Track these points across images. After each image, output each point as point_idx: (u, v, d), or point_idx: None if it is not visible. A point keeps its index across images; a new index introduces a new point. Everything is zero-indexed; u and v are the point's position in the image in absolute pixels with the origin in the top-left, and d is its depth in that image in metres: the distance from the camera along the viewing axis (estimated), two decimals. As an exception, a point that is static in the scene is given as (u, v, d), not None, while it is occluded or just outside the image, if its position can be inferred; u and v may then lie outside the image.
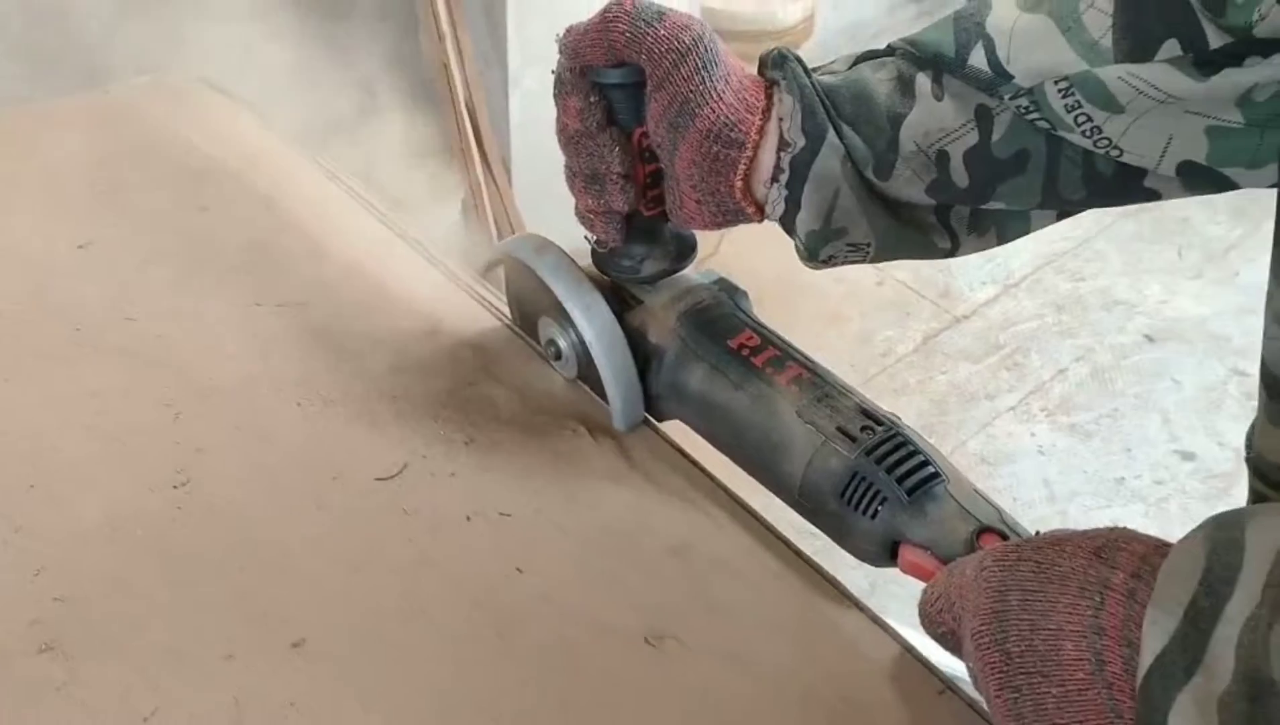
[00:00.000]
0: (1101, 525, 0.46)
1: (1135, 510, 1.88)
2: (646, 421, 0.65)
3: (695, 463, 0.62)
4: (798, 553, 0.58)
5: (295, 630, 0.50)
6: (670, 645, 0.52)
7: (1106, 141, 0.53)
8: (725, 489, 0.61)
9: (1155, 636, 0.39)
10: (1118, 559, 0.42)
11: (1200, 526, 0.40)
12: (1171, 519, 1.76)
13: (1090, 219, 0.71)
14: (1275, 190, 0.51)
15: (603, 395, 0.63)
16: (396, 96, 1.87)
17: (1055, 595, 0.43)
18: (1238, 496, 1.98)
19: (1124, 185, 0.55)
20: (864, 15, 2.91)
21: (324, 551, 0.55)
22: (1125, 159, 0.53)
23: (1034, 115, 0.54)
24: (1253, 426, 0.55)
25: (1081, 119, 0.53)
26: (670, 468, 0.62)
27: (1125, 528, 0.44)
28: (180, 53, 1.55)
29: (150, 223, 0.77)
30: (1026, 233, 0.60)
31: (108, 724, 0.46)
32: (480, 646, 0.52)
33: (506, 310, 0.72)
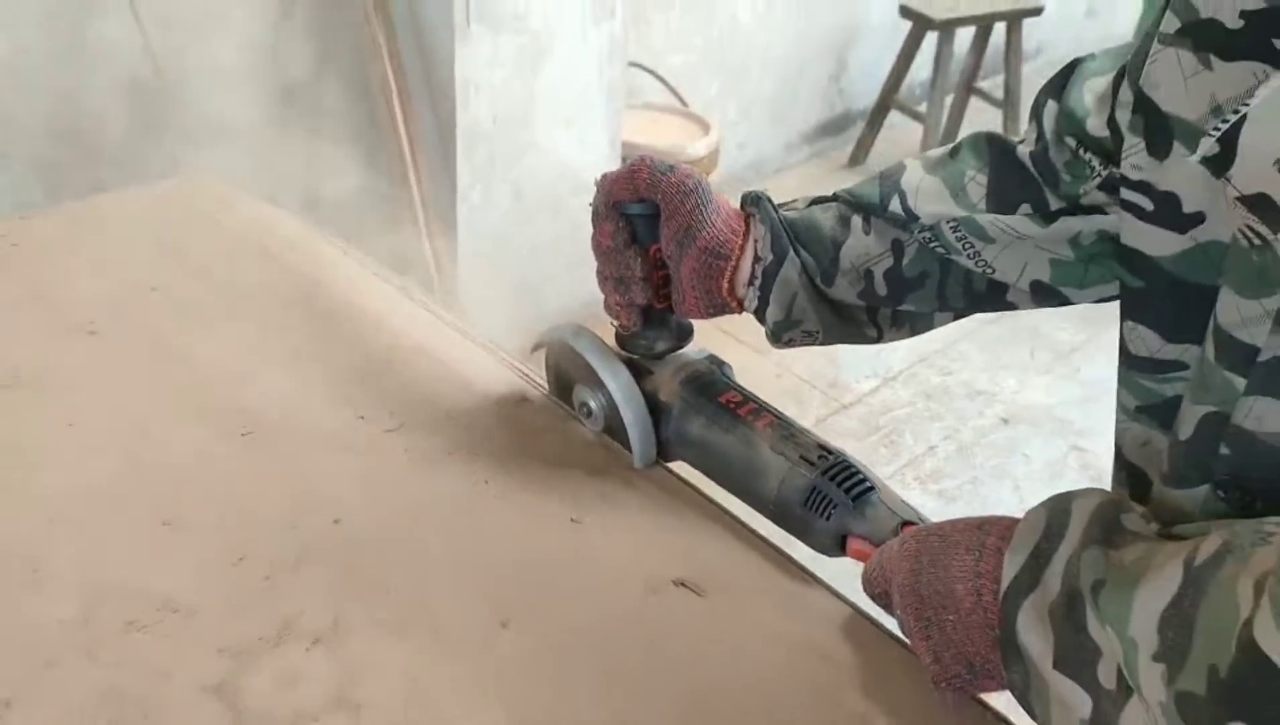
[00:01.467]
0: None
1: None
2: (658, 462, 0.78)
3: (697, 489, 0.78)
4: (777, 549, 0.73)
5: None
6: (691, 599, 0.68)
7: (984, 263, 0.67)
8: (721, 508, 0.76)
9: (1011, 569, 0.50)
10: (992, 529, 0.54)
11: (1043, 502, 0.52)
12: None
13: (956, 324, 0.80)
14: (1116, 305, 0.59)
15: (625, 443, 0.77)
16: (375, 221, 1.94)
17: (951, 554, 0.54)
18: None
19: (992, 297, 0.69)
20: (764, 153, 3.17)
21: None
22: (995, 276, 0.68)
23: (934, 244, 0.68)
24: None
25: (967, 245, 0.67)
26: (677, 495, 0.77)
27: (998, 514, 0.56)
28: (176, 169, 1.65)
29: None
30: (932, 328, 0.74)
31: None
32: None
33: (545, 382, 0.86)
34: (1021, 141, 0.67)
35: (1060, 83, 0.63)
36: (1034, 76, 3.92)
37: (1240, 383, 0.47)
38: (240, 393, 0.81)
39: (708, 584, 0.69)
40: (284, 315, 0.91)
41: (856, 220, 0.70)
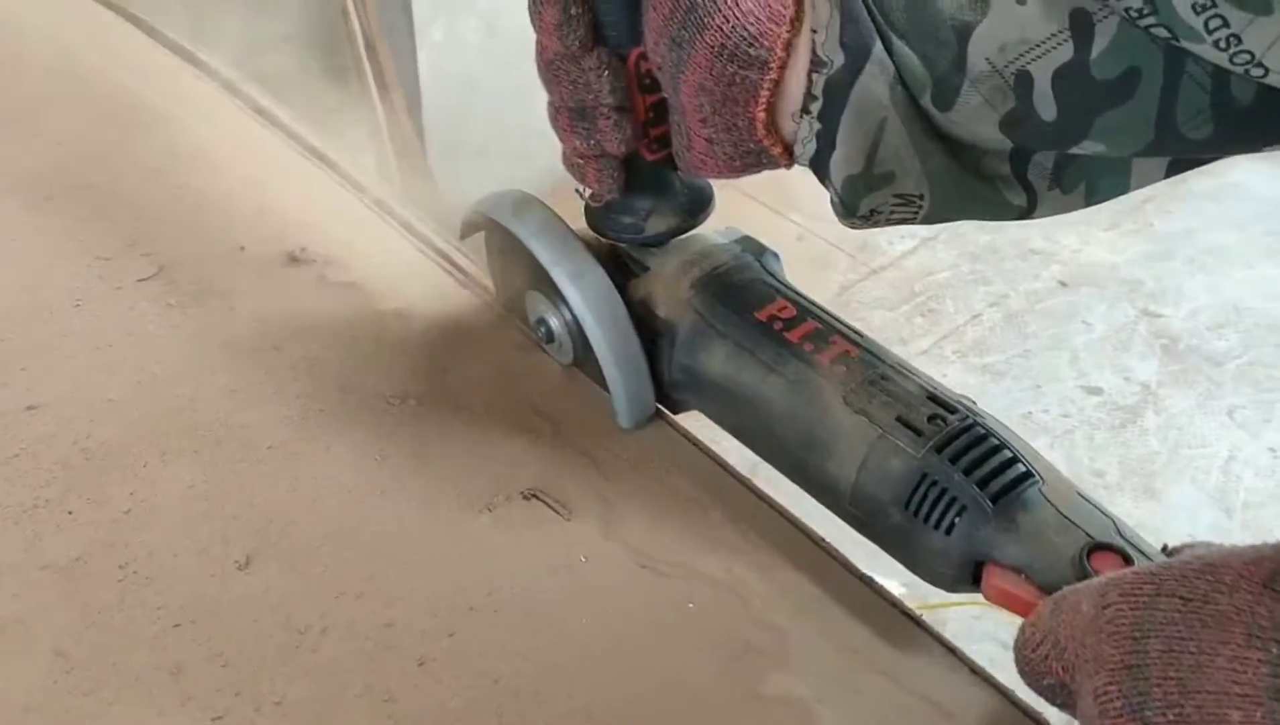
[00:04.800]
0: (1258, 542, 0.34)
1: (1041, 443, 1.89)
2: (659, 414, 0.52)
3: (724, 465, 0.49)
4: (869, 583, 0.45)
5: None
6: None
7: (1247, 57, 0.39)
8: (771, 503, 0.48)
9: None
10: None
11: None
12: (1077, 447, 1.75)
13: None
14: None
15: (604, 384, 0.50)
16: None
17: (1213, 644, 0.34)
18: (1142, 427, 1.94)
19: (1266, 119, 0.43)
20: None
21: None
22: (1271, 80, 0.39)
23: (1149, 20, 0.40)
24: None
25: (1214, 23, 0.39)
26: (689, 474, 0.49)
27: None
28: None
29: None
30: (1124, 191, 0.48)
31: None
32: None
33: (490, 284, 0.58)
34: None
35: None
36: None
37: None
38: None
39: (807, 698, 0.42)
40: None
41: None
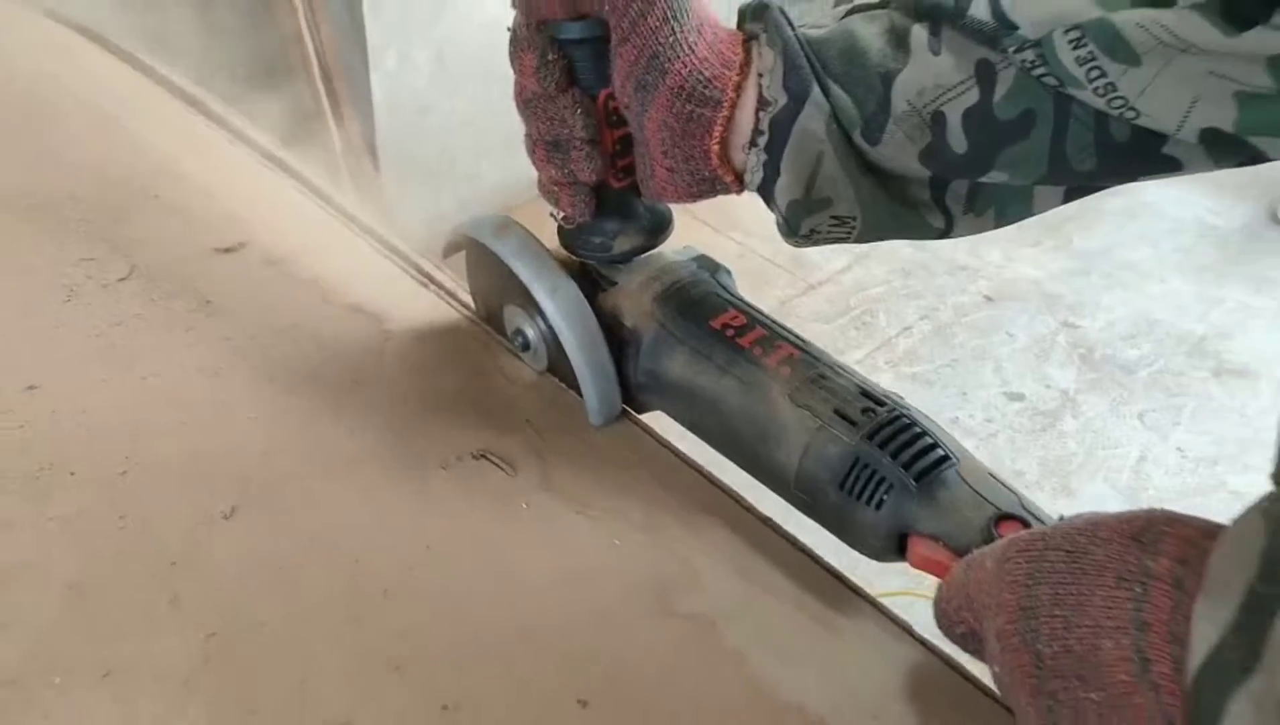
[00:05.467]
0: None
1: (967, 446, 1.90)
2: (625, 414, 0.55)
3: (682, 457, 0.53)
4: (809, 554, 0.50)
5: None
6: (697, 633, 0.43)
7: (1122, 101, 0.44)
8: (724, 488, 0.52)
9: (1207, 630, 0.33)
10: (1161, 544, 0.35)
11: (1255, 504, 0.33)
12: (1000, 449, 1.78)
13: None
14: None
15: (576, 388, 0.53)
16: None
17: (1091, 587, 0.36)
18: (1061, 431, 1.98)
19: (1140, 153, 0.47)
20: None
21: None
22: (1142, 122, 0.44)
23: (1041, 70, 0.45)
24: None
25: (1095, 74, 0.44)
26: (648, 464, 0.53)
27: (1167, 509, 0.37)
28: None
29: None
30: (1029, 214, 0.52)
31: None
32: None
33: (469, 302, 0.61)
34: None
35: None
36: None
37: None
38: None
39: (713, 615, 0.46)
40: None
41: (919, 34, 0.47)
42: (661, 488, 0.51)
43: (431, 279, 0.63)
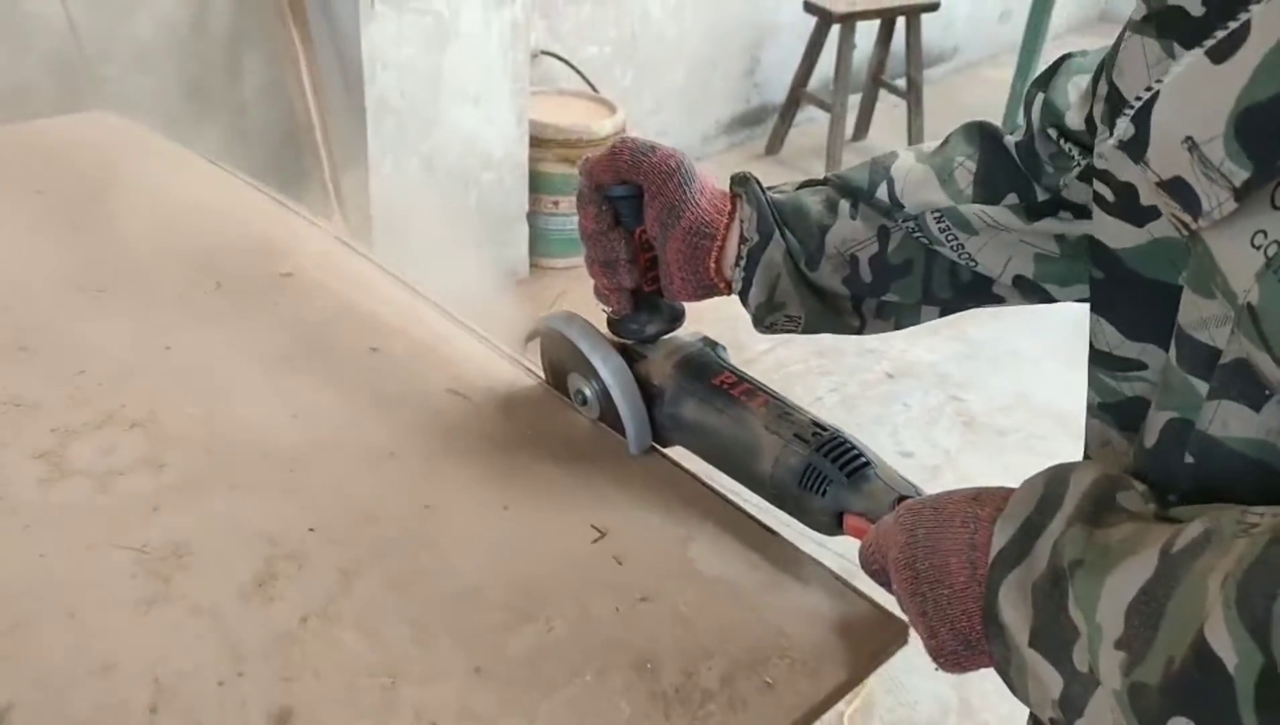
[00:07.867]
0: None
1: None
2: (653, 447, 0.71)
3: (691, 473, 0.71)
4: (769, 529, 0.67)
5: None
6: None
7: (967, 255, 0.61)
8: (714, 491, 0.70)
9: (1000, 538, 0.44)
10: (987, 500, 0.48)
11: (1043, 471, 0.46)
12: None
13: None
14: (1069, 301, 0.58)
15: (620, 430, 0.70)
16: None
17: (945, 527, 0.48)
18: (941, 482, 2.25)
19: (978, 290, 0.64)
20: (681, 142, 3.04)
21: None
22: (979, 269, 0.62)
23: (918, 234, 0.62)
24: None
25: (950, 237, 0.61)
26: (672, 479, 0.70)
27: (992, 486, 0.50)
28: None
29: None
30: (917, 322, 0.67)
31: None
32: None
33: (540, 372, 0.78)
34: (1012, 132, 0.63)
35: (1048, 76, 0.59)
36: (952, 75, 3.99)
37: (1203, 387, 0.41)
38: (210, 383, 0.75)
39: (706, 569, 0.63)
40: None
41: (844, 205, 0.64)
42: (676, 494, 0.68)
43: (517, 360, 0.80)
